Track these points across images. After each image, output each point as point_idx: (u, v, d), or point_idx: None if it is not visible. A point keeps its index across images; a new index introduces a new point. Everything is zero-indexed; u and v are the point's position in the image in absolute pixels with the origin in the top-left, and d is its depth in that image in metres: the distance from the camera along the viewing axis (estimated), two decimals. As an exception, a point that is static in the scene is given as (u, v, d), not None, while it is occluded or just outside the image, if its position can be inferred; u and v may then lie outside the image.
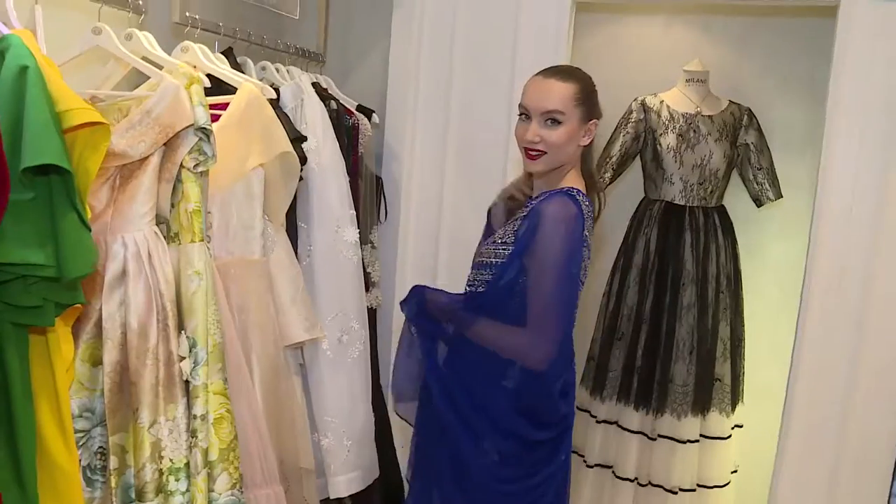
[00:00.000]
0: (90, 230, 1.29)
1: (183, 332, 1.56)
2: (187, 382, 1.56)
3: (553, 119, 1.81)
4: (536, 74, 1.87)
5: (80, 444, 1.54)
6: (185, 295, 1.57)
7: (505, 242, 1.85)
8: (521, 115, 1.86)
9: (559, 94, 1.81)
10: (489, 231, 2.01)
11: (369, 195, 2.59)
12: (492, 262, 1.87)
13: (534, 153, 1.82)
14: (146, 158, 1.57)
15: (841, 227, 2.42)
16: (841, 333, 2.45)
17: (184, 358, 1.55)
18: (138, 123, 1.54)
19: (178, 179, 1.61)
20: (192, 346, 1.55)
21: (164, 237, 1.61)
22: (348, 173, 2.31)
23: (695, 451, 2.97)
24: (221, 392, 1.59)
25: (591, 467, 3.09)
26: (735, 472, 3.11)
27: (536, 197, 1.88)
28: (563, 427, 1.91)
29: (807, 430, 2.52)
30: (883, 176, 2.37)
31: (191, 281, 1.57)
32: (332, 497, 2.27)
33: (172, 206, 1.62)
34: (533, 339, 1.78)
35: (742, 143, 2.97)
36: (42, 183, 1.23)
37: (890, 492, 2.49)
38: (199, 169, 1.60)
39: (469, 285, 1.95)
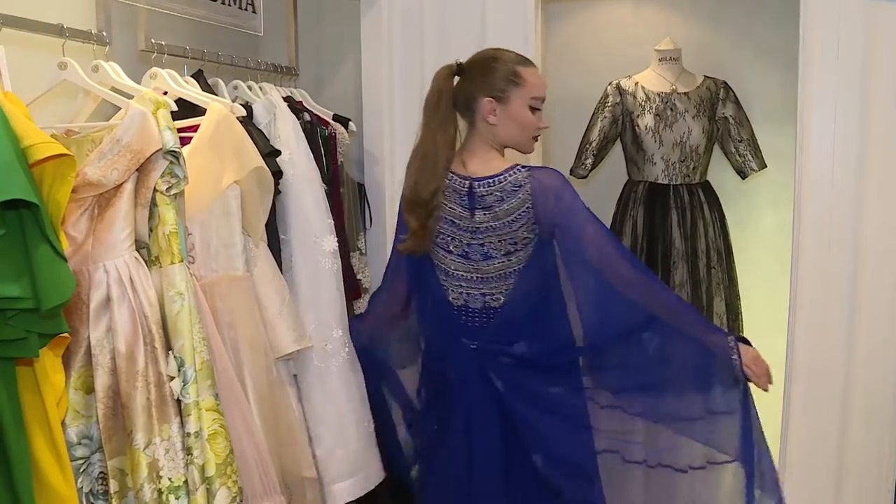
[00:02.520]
0: (65, 260, 1.33)
1: (170, 352, 1.60)
2: (179, 401, 1.61)
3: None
4: (527, 66, 2.06)
5: (81, 470, 1.58)
6: (170, 316, 1.61)
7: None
8: (532, 107, 2.05)
9: None
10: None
11: (353, 203, 2.63)
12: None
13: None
14: (121, 186, 1.61)
15: (824, 195, 2.45)
16: (834, 298, 2.48)
17: (173, 378, 1.59)
18: (109, 152, 1.58)
19: (154, 203, 1.65)
20: (181, 366, 1.59)
21: (145, 261, 1.66)
22: (329, 182, 2.35)
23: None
24: (213, 408, 1.63)
25: (599, 454, 3.11)
26: (743, 446, 3.13)
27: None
28: None
29: (810, 395, 2.54)
30: (860, 141, 2.39)
31: (174, 302, 1.61)
32: None
33: (151, 230, 1.66)
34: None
35: (721, 117, 3.00)
36: (13, 218, 1.27)
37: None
38: (173, 191, 1.65)
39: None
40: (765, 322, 3.28)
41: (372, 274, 2.70)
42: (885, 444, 2.51)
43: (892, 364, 2.46)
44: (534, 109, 2.05)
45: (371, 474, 2.33)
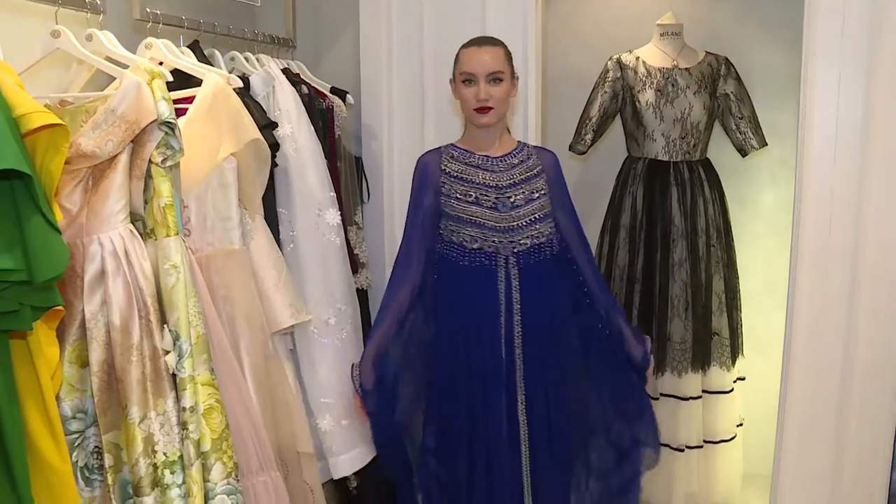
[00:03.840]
0: (59, 232, 1.31)
1: (165, 326, 1.59)
2: (174, 376, 1.59)
3: (496, 78, 2.19)
4: (469, 46, 2.22)
5: (76, 444, 1.58)
6: (165, 289, 1.59)
7: (538, 196, 2.26)
8: (465, 81, 2.20)
9: (497, 56, 2.20)
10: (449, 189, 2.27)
11: (350, 177, 2.61)
12: (542, 214, 2.26)
13: (484, 109, 2.18)
14: (115, 157, 1.59)
15: (826, 171, 2.43)
16: (835, 277, 2.47)
17: (168, 352, 1.58)
18: (103, 122, 1.56)
19: (149, 175, 1.63)
20: (176, 340, 1.58)
21: (140, 234, 1.64)
22: (326, 156, 2.34)
23: (698, 408, 3.00)
24: (209, 383, 1.62)
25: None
26: (741, 425, 3.14)
27: (517, 149, 2.30)
28: None
29: (809, 374, 2.54)
30: (864, 116, 2.37)
31: (169, 275, 1.59)
32: (335, 477, 2.32)
33: (145, 202, 1.64)
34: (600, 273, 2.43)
35: (722, 94, 2.97)
36: (5, 189, 1.25)
37: (895, 431, 2.52)
38: (168, 163, 1.62)
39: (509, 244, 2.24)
40: (764, 300, 3.28)
41: (369, 249, 2.68)
42: (883, 422, 2.50)
43: (893, 338, 2.45)
44: (466, 84, 2.19)
45: (370, 448, 2.35)
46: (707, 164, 3.03)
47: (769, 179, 3.31)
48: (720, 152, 3.14)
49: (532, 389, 2.26)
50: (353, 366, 2.27)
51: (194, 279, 1.65)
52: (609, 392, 2.35)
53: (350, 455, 2.31)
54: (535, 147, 2.38)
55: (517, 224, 2.22)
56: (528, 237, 2.23)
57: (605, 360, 2.33)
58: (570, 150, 3.07)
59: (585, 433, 2.36)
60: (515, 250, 2.23)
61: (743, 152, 3.03)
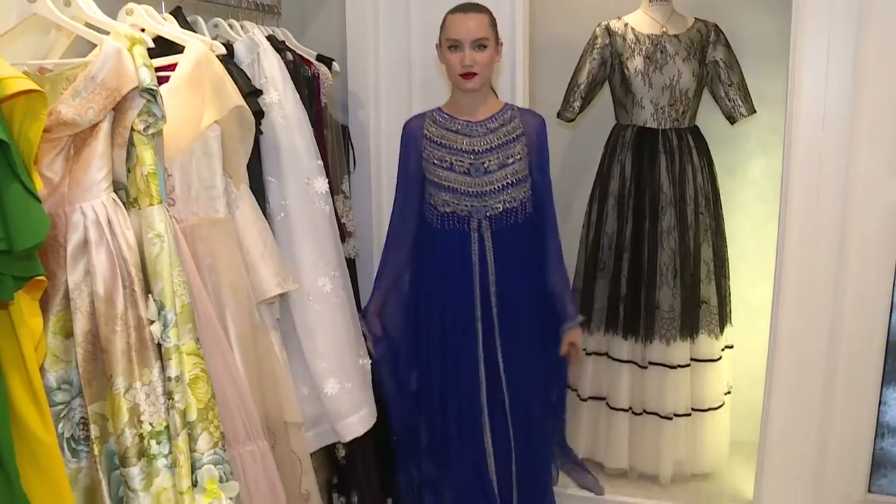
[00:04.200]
0: (39, 200, 1.30)
1: (150, 295, 1.58)
2: (159, 346, 1.59)
3: (481, 45, 2.25)
4: (455, 12, 2.28)
5: (62, 415, 1.57)
6: (149, 259, 1.58)
7: (513, 161, 2.33)
8: (450, 47, 2.27)
9: (482, 23, 2.25)
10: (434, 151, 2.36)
11: (337, 145, 2.59)
12: (515, 179, 2.34)
13: (469, 75, 2.24)
14: (97, 125, 1.57)
15: (815, 138, 2.43)
16: (823, 244, 2.48)
17: (153, 321, 1.57)
18: (83, 90, 1.53)
19: (131, 143, 1.61)
20: (161, 309, 1.57)
21: (124, 203, 1.62)
22: (312, 124, 2.31)
23: (687, 376, 3.01)
24: (194, 352, 1.61)
25: (585, 400, 3.14)
26: (728, 393, 3.15)
27: (500, 112, 2.35)
28: None
29: (796, 342, 2.56)
30: (853, 83, 2.37)
31: (153, 244, 1.58)
32: (348, 439, 2.35)
33: (128, 171, 1.62)
34: (554, 218, 2.44)
35: (711, 61, 2.95)
36: (-18, 157, 1.23)
37: (880, 399, 2.54)
38: (150, 131, 1.60)
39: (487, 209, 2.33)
40: (752, 268, 3.29)
41: (356, 218, 2.67)
42: (869, 390, 2.53)
43: (879, 308, 2.47)
44: (451, 50, 2.26)
45: (372, 410, 2.39)
46: (696, 132, 3.01)
47: (758, 147, 3.30)
48: (709, 120, 3.12)
49: (506, 348, 2.38)
50: (361, 319, 2.42)
51: (179, 248, 1.64)
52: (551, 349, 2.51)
53: (359, 415, 2.35)
54: (520, 109, 2.41)
55: (489, 189, 2.32)
56: (500, 202, 2.33)
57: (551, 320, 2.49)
58: (558, 117, 3.06)
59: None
60: (488, 214, 2.33)
61: (732, 119, 3.02)
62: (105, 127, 1.57)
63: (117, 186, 1.62)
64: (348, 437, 2.34)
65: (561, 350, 2.46)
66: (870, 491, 2.60)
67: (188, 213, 1.85)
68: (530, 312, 2.41)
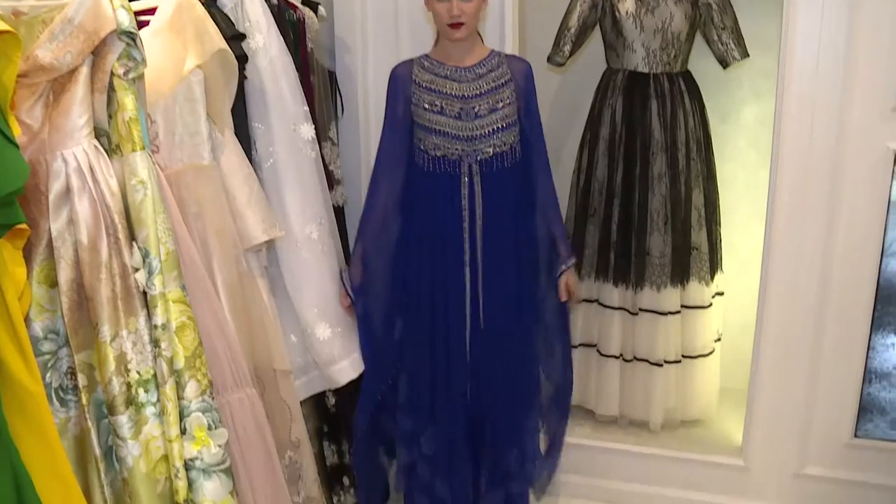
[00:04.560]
0: (17, 146, 1.28)
1: (134, 243, 1.57)
2: (145, 294, 1.58)
3: None
4: None
5: (49, 365, 1.57)
6: (133, 206, 1.57)
7: (503, 105, 2.33)
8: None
9: None
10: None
11: (323, 91, 2.56)
12: (505, 123, 2.33)
13: (457, 25, 2.24)
14: (75, 70, 1.55)
15: (808, 83, 2.42)
16: (814, 190, 2.48)
17: (138, 269, 1.56)
18: (60, 33, 1.51)
19: (112, 89, 1.59)
20: (145, 257, 1.56)
21: (106, 150, 1.60)
22: (298, 69, 2.28)
23: (677, 323, 3.02)
24: (180, 300, 1.61)
25: (576, 347, 3.15)
26: (718, 340, 3.17)
27: (488, 58, 2.35)
28: None
29: (786, 288, 2.57)
30: (848, 27, 2.35)
31: (136, 191, 1.57)
32: (342, 382, 2.38)
33: (109, 117, 1.61)
34: (547, 159, 2.43)
35: (703, 3, 2.91)
36: (-45, 101, 1.21)
37: (868, 345, 2.57)
38: (131, 76, 1.58)
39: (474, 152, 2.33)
40: (743, 215, 3.29)
41: (344, 165, 2.65)
42: (858, 337, 2.55)
43: (870, 254, 2.48)
44: (439, 1, 2.23)
45: (360, 356, 2.41)
46: (688, 76, 2.98)
47: (751, 92, 3.28)
48: (701, 64, 3.09)
49: (490, 293, 2.39)
50: (341, 270, 2.39)
51: (163, 195, 1.63)
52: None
53: (351, 359, 2.38)
54: (507, 56, 2.41)
55: (479, 133, 2.31)
56: (490, 146, 2.32)
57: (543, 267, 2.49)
58: (548, 61, 3.02)
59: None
60: (478, 158, 2.33)
61: (724, 64, 2.99)
62: (84, 71, 1.55)
63: (99, 133, 1.60)
64: (343, 381, 2.36)
65: (560, 295, 2.46)
66: (855, 435, 2.64)
67: (172, 160, 1.83)
68: (519, 257, 2.41)
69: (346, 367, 2.37)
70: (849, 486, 2.65)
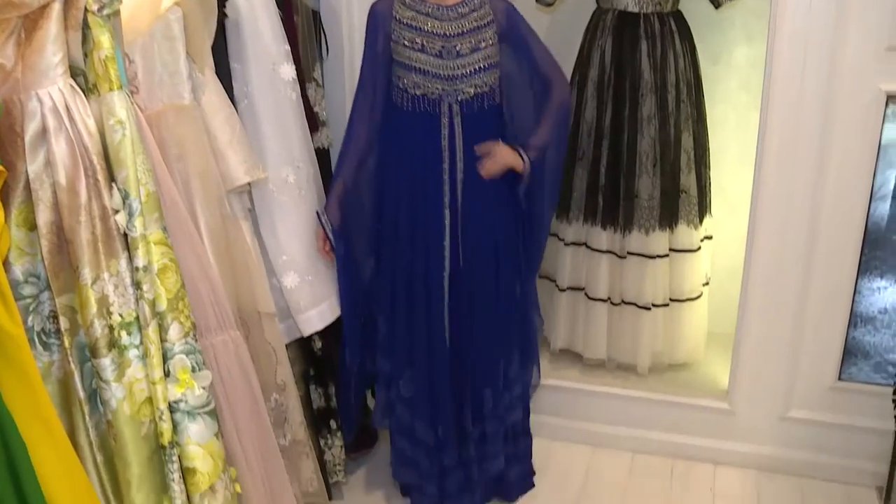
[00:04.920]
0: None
1: (114, 184, 1.56)
2: (126, 235, 1.58)
3: None
4: None
5: (31, 309, 1.57)
6: (111, 146, 1.55)
7: (485, 45, 2.30)
8: None
9: None
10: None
11: (307, 31, 2.52)
12: (487, 63, 2.31)
13: None
14: (47, 5, 1.51)
15: (801, 22, 2.39)
16: (805, 132, 2.47)
17: (118, 210, 1.55)
18: (30, -35, 1.48)
19: (86, 26, 1.55)
20: (125, 198, 1.55)
21: (83, 90, 1.58)
22: (280, 8, 2.26)
23: (665, 266, 3.03)
24: (162, 241, 1.60)
25: (564, 290, 3.16)
26: (707, 284, 3.19)
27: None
28: None
29: (775, 232, 2.58)
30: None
31: (114, 131, 1.55)
32: (306, 334, 2.37)
33: (85, 55, 1.58)
34: (563, 80, 2.44)
35: (696, -60, 2.87)
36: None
37: (854, 287, 2.58)
38: (106, 12, 1.55)
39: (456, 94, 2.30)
40: (733, 158, 3.28)
41: (329, 106, 2.63)
42: (844, 281, 2.57)
43: (859, 197, 2.49)
44: None
45: (335, 304, 2.40)
46: (679, 17, 2.94)
47: (742, 33, 3.24)
48: (693, 4, 3.05)
49: (469, 236, 2.38)
50: (318, 211, 2.37)
51: (143, 136, 1.61)
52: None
53: (319, 310, 2.37)
54: None
55: (461, 73, 2.29)
56: (471, 86, 2.30)
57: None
58: (537, 2, 2.99)
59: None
60: (458, 98, 2.31)
61: (716, 3, 2.95)
62: (56, 7, 1.52)
63: (75, 72, 1.58)
64: (308, 331, 2.37)
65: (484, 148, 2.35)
66: (840, 379, 2.68)
67: (152, 101, 1.81)
68: (499, 198, 2.40)
69: (313, 316, 2.36)
70: (833, 428, 2.70)
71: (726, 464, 2.85)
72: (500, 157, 2.35)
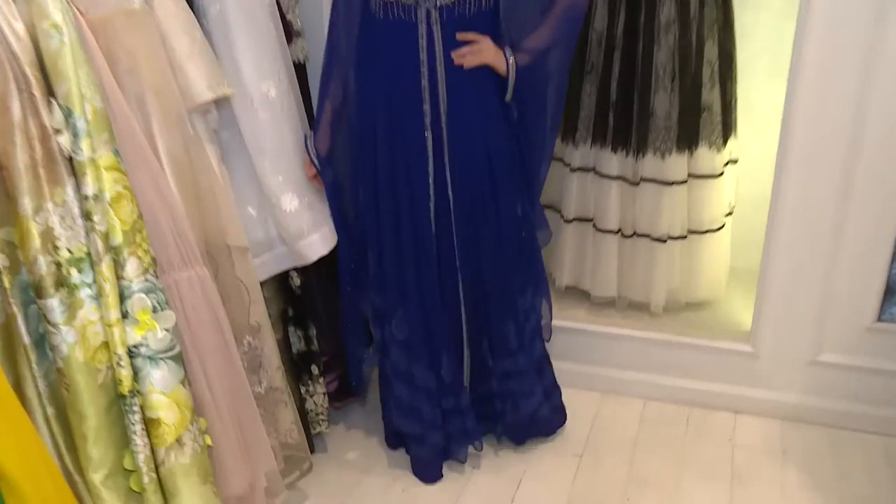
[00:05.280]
0: None
1: (53, 100, 1.50)
2: (71, 160, 1.52)
3: None
4: None
5: (-38, 245, 1.53)
6: (47, 55, 1.49)
7: None
8: None
9: None
10: None
11: (279, -75, 2.43)
12: None
13: None
14: None
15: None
16: (849, 39, 2.38)
17: (59, 131, 1.50)
18: None
19: None
20: (67, 116, 1.50)
21: (9, -11, 1.51)
22: None
23: (683, 194, 2.99)
24: (114, 167, 1.55)
25: (570, 222, 3.13)
26: (730, 213, 3.15)
27: None
28: None
29: (808, 156, 2.52)
30: None
31: (50, 37, 1.48)
32: (312, 259, 2.36)
33: (11, -53, 1.51)
34: None
35: None
36: None
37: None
38: None
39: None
40: (764, 69, 3.21)
41: (304, 14, 2.54)
42: (888, 208, 2.52)
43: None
44: None
45: (332, 228, 2.42)
46: None
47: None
48: None
49: (458, 159, 2.33)
50: (305, 136, 2.34)
51: (85, 43, 1.54)
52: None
53: (321, 233, 2.37)
54: None
55: None
56: None
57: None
58: None
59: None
60: (438, 4, 2.20)
61: None
62: None
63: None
64: (313, 257, 2.35)
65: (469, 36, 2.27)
66: (879, 319, 2.64)
67: (96, 4, 1.72)
68: (487, 113, 2.34)
69: (316, 241, 2.35)
70: (869, 374, 2.67)
71: (748, 412, 2.84)
72: (481, 53, 2.26)
